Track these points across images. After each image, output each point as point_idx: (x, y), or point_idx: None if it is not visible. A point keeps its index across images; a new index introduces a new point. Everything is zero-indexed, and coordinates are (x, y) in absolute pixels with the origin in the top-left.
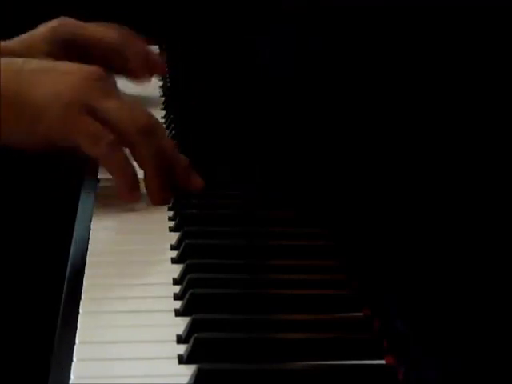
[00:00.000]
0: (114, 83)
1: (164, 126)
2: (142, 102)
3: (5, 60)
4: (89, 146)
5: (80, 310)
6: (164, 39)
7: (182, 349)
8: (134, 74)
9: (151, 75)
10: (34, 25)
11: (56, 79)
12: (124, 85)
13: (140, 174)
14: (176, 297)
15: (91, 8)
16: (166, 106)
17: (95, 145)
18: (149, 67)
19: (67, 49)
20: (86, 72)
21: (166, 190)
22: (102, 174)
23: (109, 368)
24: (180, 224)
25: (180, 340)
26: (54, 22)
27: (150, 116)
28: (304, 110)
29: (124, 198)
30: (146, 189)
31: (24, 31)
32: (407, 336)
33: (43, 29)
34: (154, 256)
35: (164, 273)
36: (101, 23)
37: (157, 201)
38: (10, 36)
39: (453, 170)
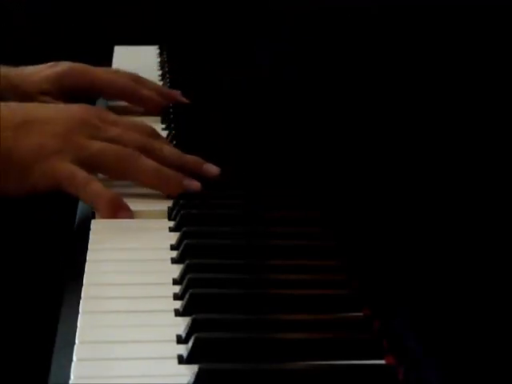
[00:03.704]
0: (103, 118)
1: (164, 125)
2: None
3: None
4: (66, 187)
5: (80, 310)
6: (164, 39)
7: (181, 349)
8: (149, 112)
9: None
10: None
11: (39, 131)
12: None
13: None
14: (176, 297)
15: (91, 8)
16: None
17: (70, 184)
18: (164, 100)
19: (73, 94)
20: (69, 119)
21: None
22: (102, 176)
23: (109, 368)
24: (180, 224)
25: (180, 340)
26: (62, 67)
27: (141, 141)
28: (304, 109)
29: (107, 213)
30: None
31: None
32: (407, 336)
33: (50, 71)
34: (154, 256)
35: (164, 273)
36: (109, 68)
37: (189, 188)
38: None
39: (458, 170)
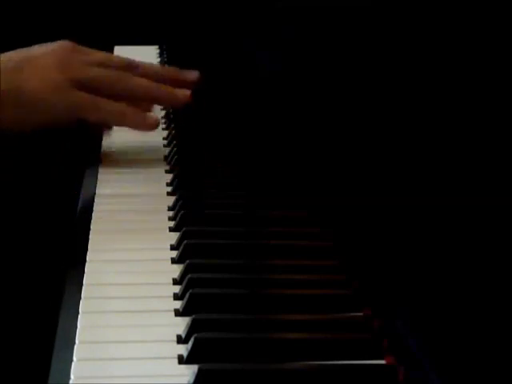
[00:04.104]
0: (85, 49)
1: (164, 125)
2: None
3: None
4: (92, 116)
5: (80, 310)
6: (164, 39)
7: (182, 349)
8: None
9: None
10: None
11: (37, 65)
12: None
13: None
14: (176, 297)
15: (91, 8)
16: None
17: (96, 112)
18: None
19: None
20: (60, 49)
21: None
22: (102, 175)
23: (109, 368)
24: (180, 224)
25: (180, 340)
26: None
27: (124, 61)
28: (304, 109)
29: (144, 128)
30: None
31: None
32: (407, 336)
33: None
34: (154, 256)
35: (164, 273)
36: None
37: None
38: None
39: (457, 171)
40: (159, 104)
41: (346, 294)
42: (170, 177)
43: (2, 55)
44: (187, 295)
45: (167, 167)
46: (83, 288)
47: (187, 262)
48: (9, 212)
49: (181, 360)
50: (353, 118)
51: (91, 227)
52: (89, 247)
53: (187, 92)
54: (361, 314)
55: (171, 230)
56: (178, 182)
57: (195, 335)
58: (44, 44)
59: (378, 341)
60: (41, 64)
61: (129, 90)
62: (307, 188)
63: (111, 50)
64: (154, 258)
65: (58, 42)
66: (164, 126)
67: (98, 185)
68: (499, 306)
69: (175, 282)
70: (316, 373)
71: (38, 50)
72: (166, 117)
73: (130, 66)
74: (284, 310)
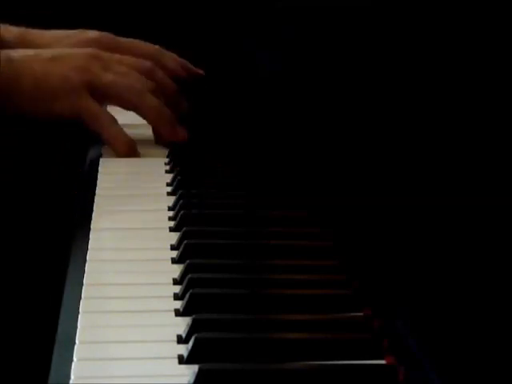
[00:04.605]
0: (109, 57)
1: None
2: None
3: (22, 51)
4: (90, 123)
5: (80, 310)
6: (164, 39)
7: (182, 349)
8: None
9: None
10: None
11: (63, 65)
12: None
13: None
14: (176, 297)
15: (92, 8)
16: None
17: (95, 122)
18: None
19: None
20: (85, 54)
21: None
22: (103, 175)
23: (109, 368)
24: (180, 224)
25: (180, 340)
26: (95, 34)
27: (142, 79)
28: (304, 109)
29: (124, 154)
30: (160, 134)
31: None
32: (407, 336)
33: (82, 37)
34: (154, 256)
35: (164, 273)
36: (132, 39)
37: (177, 135)
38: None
39: (457, 171)
40: (156, 131)
41: (346, 294)
42: (170, 177)
43: (34, 50)
44: (187, 295)
45: (167, 167)
46: (83, 288)
47: (187, 261)
48: (9, 212)
49: (181, 360)
50: (353, 118)
51: (91, 227)
52: (89, 246)
53: (185, 134)
54: (361, 314)
55: (171, 229)
56: (178, 182)
57: (195, 335)
58: (75, 49)
59: (378, 341)
60: (65, 63)
61: (137, 107)
62: (307, 188)
63: None
64: (154, 257)
65: (87, 48)
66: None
67: (97, 185)
68: (499, 306)
69: (175, 282)
70: (316, 373)
71: (67, 51)
72: None
73: (151, 74)
74: (284, 310)
